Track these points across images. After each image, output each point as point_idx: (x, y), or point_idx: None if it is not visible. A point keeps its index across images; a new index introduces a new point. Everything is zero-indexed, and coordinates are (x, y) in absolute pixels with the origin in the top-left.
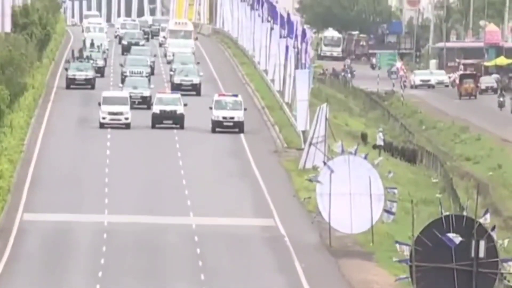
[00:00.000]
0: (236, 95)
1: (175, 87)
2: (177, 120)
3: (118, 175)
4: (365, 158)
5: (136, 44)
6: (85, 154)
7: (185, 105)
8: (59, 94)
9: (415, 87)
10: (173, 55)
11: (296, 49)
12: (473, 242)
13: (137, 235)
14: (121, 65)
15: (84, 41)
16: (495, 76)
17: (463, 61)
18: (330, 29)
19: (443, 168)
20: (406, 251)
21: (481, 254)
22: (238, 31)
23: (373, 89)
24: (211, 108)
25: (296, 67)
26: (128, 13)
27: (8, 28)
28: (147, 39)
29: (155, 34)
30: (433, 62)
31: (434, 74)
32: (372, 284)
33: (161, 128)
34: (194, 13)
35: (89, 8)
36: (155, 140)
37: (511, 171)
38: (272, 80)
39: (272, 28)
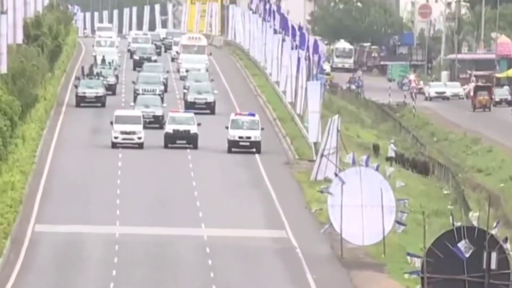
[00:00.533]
0: (253, 114)
1: (189, 106)
2: (191, 140)
3: (129, 187)
4: (377, 169)
5: (148, 59)
6: (97, 166)
7: (198, 124)
8: (69, 113)
9: (430, 99)
10: (186, 71)
11: (307, 61)
12: (485, 254)
13: (149, 246)
14: (134, 83)
15: (95, 57)
16: (506, 88)
17: (474, 72)
18: (342, 40)
19: (455, 180)
20: (418, 263)
21: (493, 265)
22: (249, 42)
23: (385, 101)
24: (227, 127)
25: (308, 79)
26: (139, 25)
27: (20, 39)
28: (159, 53)
29: (168, 47)
30: (444, 74)
31: (449, 87)
32: None
33: (174, 148)
34: (206, 25)
35: (100, 20)
36: (167, 158)
37: None
38: (284, 92)
39: (283, 40)
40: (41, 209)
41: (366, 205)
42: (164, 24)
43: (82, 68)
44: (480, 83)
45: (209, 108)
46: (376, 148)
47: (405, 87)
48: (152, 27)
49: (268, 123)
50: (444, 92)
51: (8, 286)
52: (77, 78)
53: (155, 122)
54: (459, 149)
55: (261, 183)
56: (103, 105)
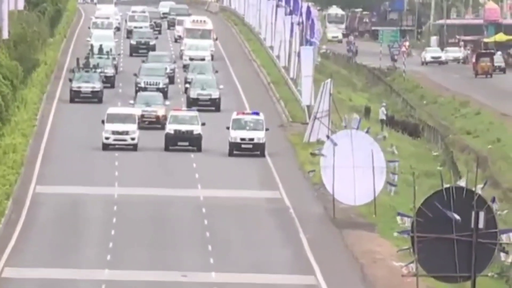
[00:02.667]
0: (257, 113)
1: (192, 102)
2: (194, 142)
3: (128, 150)
4: (367, 132)
5: (146, 44)
6: (97, 128)
7: (203, 124)
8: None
9: (426, 63)
10: (190, 60)
11: (301, 26)
12: (473, 213)
13: (146, 207)
14: (135, 75)
15: (91, 47)
16: (499, 53)
17: (463, 37)
18: (334, 6)
19: (444, 142)
20: (408, 223)
21: (481, 225)
22: (244, 8)
23: (376, 65)
24: (228, 128)
25: (301, 44)
26: None
27: (21, 6)
28: (159, 32)
29: (171, 24)
30: (434, 39)
31: (449, 51)
32: (374, 255)
33: (176, 151)
34: None
35: None
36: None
37: (510, 145)
38: (278, 56)
39: (277, 6)
40: (42, 171)
41: (357, 167)
42: None
43: (77, 59)
44: (483, 50)
45: (214, 105)
46: (367, 111)
47: (396, 52)
48: None
49: (263, 86)
50: (439, 57)
51: (10, 245)
52: (72, 71)
53: (157, 123)
54: (448, 112)
55: None
56: (100, 101)
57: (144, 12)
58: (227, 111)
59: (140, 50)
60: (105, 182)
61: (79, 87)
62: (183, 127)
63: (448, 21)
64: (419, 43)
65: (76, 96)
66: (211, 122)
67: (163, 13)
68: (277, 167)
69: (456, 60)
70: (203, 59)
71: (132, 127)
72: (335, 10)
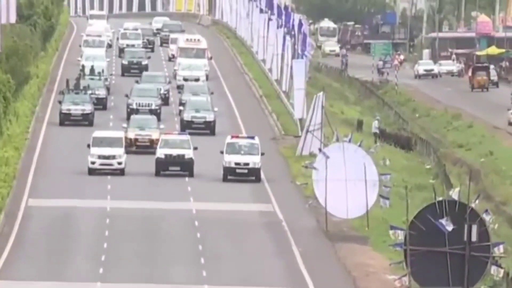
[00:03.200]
0: (252, 137)
1: (185, 125)
2: (186, 166)
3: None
4: (360, 145)
5: (138, 63)
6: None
7: (195, 148)
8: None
9: (419, 77)
10: (184, 81)
11: (292, 39)
12: (466, 227)
13: (139, 220)
14: (127, 96)
15: (82, 67)
16: (492, 67)
17: (455, 50)
18: (326, 19)
19: (436, 155)
20: (401, 236)
21: (474, 238)
22: (236, 21)
23: (368, 78)
24: (222, 152)
25: (293, 57)
26: (129, 5)
27: (13, 19)
28: (152, 49)
29: (164, 41)
30: (426, 52)
31: (443, 64)
32: (367, 268)
33: (167, 176)
34: (194, 4)
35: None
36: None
37: (503, 158)
38: (270, 70)
39: (270, 19)
40: (34, 184)
41: (349, 180)
42: (153, 5)
43: (67, 81)
44: (479, 64)
45: (209, 128)
46: (360, 124)
47: (388, 65)
48: (141, 7)
49: (255, 99)
50: (432, 70)
51: (2, 258)
52: (61, 93)
53: (151, 147)
54: (441, 125)
55: None
56: (91, 124)
57: (136, 29)
58: (222, 134)
59: (132, 70)
60: (97, 195)
61: (68, 110)
62: (174, 152)
63: (440, 34)
64: (411, 56)
65: (65, 119)
66: (204, 145)
67: (157, 29)
68: (269, 180)
69: (450, 73)
70: (197, 80)
71: (119, 151)
72: (327, 24)
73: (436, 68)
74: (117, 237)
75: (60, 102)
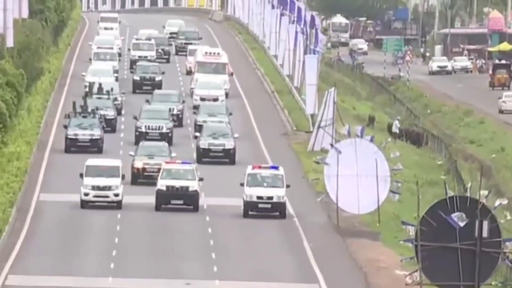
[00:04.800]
0: (276, 167)
1: (202, 153)
2: (190, 200)
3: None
4: (371, 140)
5: (151, 79)
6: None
7: (200, 179)
8: (73, 84)
9: (433, 73)
10: (201, 100)
11: (304, 35)
12: (477, 222)
13: (152, 213)
14: (135, 118)
15: (89, 86)
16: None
17: (467, 46)
18: (338, 15)
19: (448, 151)
20: (412, 231)
21: (485, 234)
22: (248, 17)
23: (380, 74)
24: (242, 184)
25: (305, 53)
26: (141, 1)
27: (25, 14)
28: (167, 60)
29: (179, 49)
30: (438, 48)
31: (457, 61)
32: (378, 263)
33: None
34: (206, 0)
35: None
36: None
37: None
38: (282, 65)
39: (282, 14)
40: (46, 179)
41: (361, 175)
42: (166, 1)
43: (74, 103)
44: (500, 62)
45: (228, 156)
46: (371, 120)
47: (400, 61)
48: (154, 3)
49: (267, 95)
50: (446, 66)
51: (14, 252)
52: (67, 116)
53: None
54: (452, 121)
55: (259, 153)
56: (100, 150)
57: (149, 39)
58: (241, 162)
59: (144, 86)
60: (112, 155)
61: (75, 135)
62: (177, 183)
63: (452, 30)
64: (422, 52)
65: (72, 145)
66: (222, 176)
67: (171, 33)
68: None
69: (464, 69)
70: (216, 100)
71: (116, 181)
72: (339, 19)
73: (450, 65)
74: (129, 232)
75: (65, 127)
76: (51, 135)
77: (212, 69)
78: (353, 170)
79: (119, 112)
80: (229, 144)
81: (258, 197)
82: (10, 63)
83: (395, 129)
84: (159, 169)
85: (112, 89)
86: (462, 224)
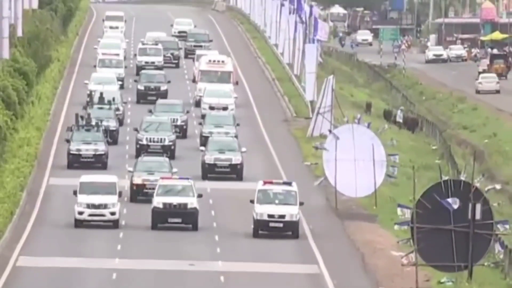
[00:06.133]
0: (289, 183)
1: (207, 169)
2: (188, 218)
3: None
4: (368, 126)
5: (156, 89)
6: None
7: (199, 196)
8: (81, 72)
9: (429, 61)
10: (210, 109)
11: (304, 25)
12: (470, 205)
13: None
14: (136, 130)
15: (90, 94)
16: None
17: (460, 35)
18: (336, 5)
19: (442, 136)
20: (408, 214)
21: (478, 216)
22: (250, 7)
23: (377, 62)
24: (252, 201)
25: (305, 42)
26: None
27: (35, 4)
28: (177, 65)
29: (190, 52)
30: (432, 37)
31: (452, 49)
32: (375, 245)
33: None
34: None
35: None
36: None
37: (506, 139)
38: (282, 54)
39: (282, 5)
40: (55, 163)
41: (358, 160)
42: None
43: (76, 115)
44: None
45: (235, 172)
46: (368, 106)
47: (396, 49)
48: None
49: (268, 82)
50: (441, 55)
51: (24, 234)
52: (69, 129)
53: None
54: (446, 107)
55: (260, 139)
56: (104, 166)
57: (157, 44)
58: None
59: (149, 96)
60: (116, 171)
61: (78, 150)
62: (175, 200)
63: (446, 20)
64: (418, 42)
65: (74, 161)
66: (230, 192)
67: (179, 32)
68: (281, 160)
69: (459, 57)
70: (225, 108)
71: (112, 199)
72: (337, 9)
73: (445, 53)
74: (132, 212)
75: (68, 141)
76: (60, 121)
77: (216, 78)
78: (351, 155)
79: (121, 123)
80: (236, 159)
81: (270, 216)
82: (20, 52)
83: (398, 119)
84: None
85: (113, 99)
86: (456, 207)
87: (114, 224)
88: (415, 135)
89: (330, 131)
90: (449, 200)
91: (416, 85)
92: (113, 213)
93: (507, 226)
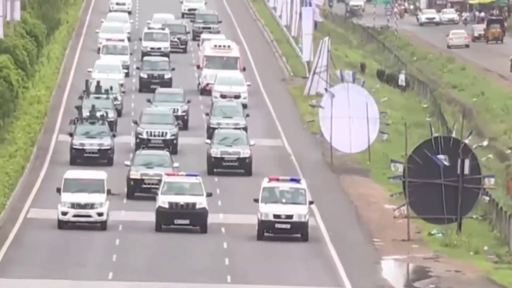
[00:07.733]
0: (297, 180)
1: (213, 163)
2: (197, 219)
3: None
4: (363, 85)
5: (160, 77)
6: None
7: (209, 195)
8: (89, 34)
9: (421, 24)
10: (222, 97)
11: None
12: (459, 161)
13: None
14: (135, 123)
15: (86, 84)
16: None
17: None
18: None
19: (432, 95)
20: (400, 169)
21: (466, 171)
22: None
23: (370, 24)
24: (256, 200)
25: (301, 5)
26: None
27: None
28: (184, 50)
29: (198, 34)
30: (423, 1)
31: (445, 13)
32: (368, 198)
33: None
34: None
35: None
36: None
37: (493, 98)
38: (280, 16)
39: None
40: (64, 121)
41: (353, 117)
42: None
43: (78, 107)
44: (494, 17)
45: (244, 166)
46: (362, 67)
47: (388, 12)
48: None
49: (266, 44)
50: (434, 18)
51: (35, 187)
52: (72, 122)
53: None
54: (436, 68)
55: (259, 97)
56: (110, 162)
57: (163, 28)
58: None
59: (152, 85)
60: (123, 133)
61: (82, 145)
62: (182, 199)
63: None
64: (409, 5)
65: (78, 156)
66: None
67: (189, 9)
68: (279, 118)
69: (451, 21)
70: (237, 97)
71: (100, 197)
72: None
73: (437, 17)
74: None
75: (70, 135)
76: (69, 80)
77: (222, 64)
78: (346, 113)
79: (119, 114)
80: (244, 152)
81: (276, 216)
82: (31, 14)
83: (400, 82)
84: (159, 181)
85: (111, 88)
86: (446, 163)
87: (102, 226)
88: (407, 93)
89: (326, 89)
90: (440, 156)
91: (407, 46)
92: (100, 214)
93: (493, 180)
